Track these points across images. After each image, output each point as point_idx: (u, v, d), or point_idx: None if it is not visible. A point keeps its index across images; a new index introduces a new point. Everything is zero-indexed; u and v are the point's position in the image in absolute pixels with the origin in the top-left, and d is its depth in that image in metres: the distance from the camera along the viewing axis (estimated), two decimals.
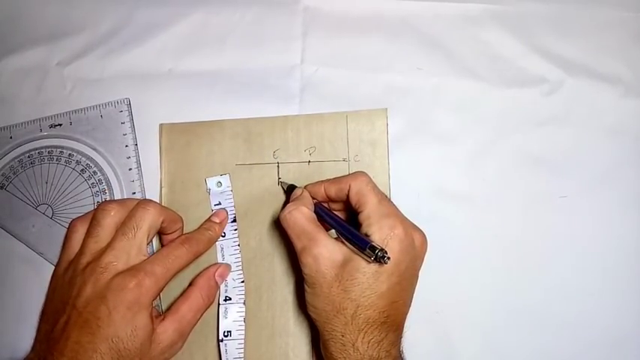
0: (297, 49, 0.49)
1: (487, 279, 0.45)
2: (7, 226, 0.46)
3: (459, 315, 0.45)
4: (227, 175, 0.46)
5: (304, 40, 0.49)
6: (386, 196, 0.40)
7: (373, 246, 0.35)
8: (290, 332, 0.44)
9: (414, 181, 0.46)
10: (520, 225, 0.46)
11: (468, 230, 0.46)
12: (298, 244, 0.38)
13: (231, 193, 0.46)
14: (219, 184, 0.46)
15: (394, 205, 0.39)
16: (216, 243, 0.45)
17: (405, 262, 0.37)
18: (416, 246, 0.38)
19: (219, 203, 0.45)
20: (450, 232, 0.45)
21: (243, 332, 0.43)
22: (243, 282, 0.44)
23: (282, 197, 0.46)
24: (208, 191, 0.46)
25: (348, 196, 0.40)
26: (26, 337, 0.43)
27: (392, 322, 0.36)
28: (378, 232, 0.36)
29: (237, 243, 0.45)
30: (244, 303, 0.44)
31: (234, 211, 0.45)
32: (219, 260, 0.45)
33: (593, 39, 0.49)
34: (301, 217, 0.38)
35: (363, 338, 0.35)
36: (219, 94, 0.48)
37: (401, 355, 0.38)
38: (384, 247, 0.35)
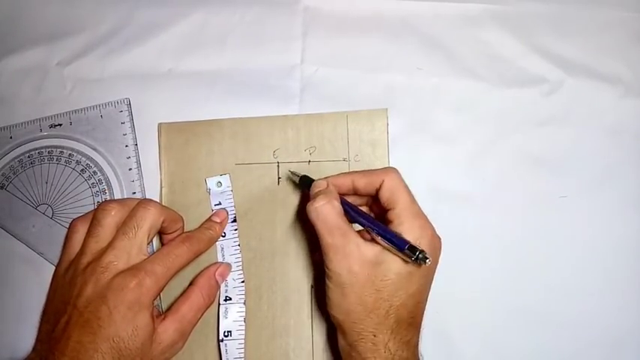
0: (297, 49, 0.49)
1: (487, 279, 0.45)
2: (7, 226, 0.46)
3: (459, 315, 0.45)
4: (227, 175, 0.46)
5: (304, 40, 0.49)
6: (415, 198, 0.39)
7: (413, 247, 0.34)
8: (290, 332, 0.44)
9: (414, 181, 0.46)
10: (520, 225, 0.46)
11: (468, 230, 0.46)
12: (328, 239, 0.36)
13: (231, 193, 0.46)
14: (219, 184, 0.46)
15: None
16: (217, 243, 0.45)
17: (432, 261, 0.37)
18: (437, 247, 0.38)
19: (220, 203, 0.45)
20: (449, 232, 0.45)
21: (243, 332, 0.43)
22: (243, 282, 0.44)
23: (283, 197, 0.46)
24: (208, 191, 0.46)
25: (378, 190, 0.39)
26: (26, 337, 0.43)
27: (416, 323, 0.37)
28: (410, 231, 0.36)
29: (237, 243, 0.45)
30: (244, 303, 0.44)
31: (234, 211, 0.45)
32: (220, 260, 0.45)
33: (593, 39, 0.49)
34: (333, 211, 0.37)
35: (395, 338, 0.35)
36: (219, 94, 0.48)
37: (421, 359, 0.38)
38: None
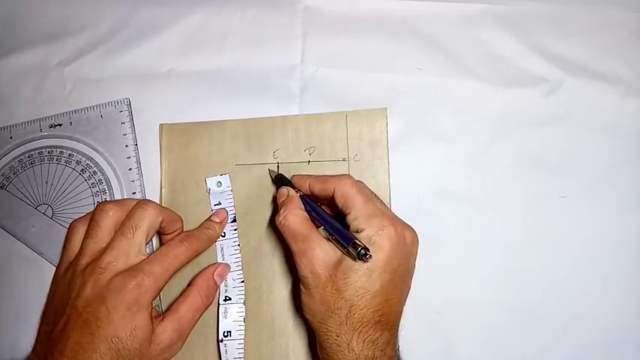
0: (297, 49, 0.49)
1: (487, 279, 0.45)
2: (7, 226, 0.46)
3: (459, 315, 0.45)
4: (227, 176, 0.46)
5: (304, 40, 0.49)
6: (374, 196, 0.39)
7: (356, 243, 0.35)
8: (290, 332, 0.44)
9: (414, 181, 0.46)
10: (520, 225, 0.46)
11: (468, 230, 0.46)
12: (294, 247, 0.38)
13: (231, 193, 0.46)
14: (219, 184, 0.46)
15: (383, 204, 0.39)
16: (216, 243, 0.45)
17: (397, 259, 0.36)
18: (407, 243, 0.38)
19: (219, 203, 0.45)
20: (450, 232, 0.45)
21: (243, 332, 0.43)
22: (243, 282, 0.44)
23: None
24: (208, 191, 0.46)
25: (333, 197, 0.39)
26: (26, 337, 0.43)
27: (386, 321, 0.36)
28: (365, 230, 0.37)
29: (237, 243, 0.45)
30: (244, 303, 0.44)
31: (234, 211, 0.45)
32: (219, 260, 0.45)
33: (593, 39, 0.48)
34: (296, 219, 0.39)
35: (358, 338, 0.35)
36: (219, 94, 0.48)
37: (397, 354, 0.37)
38: (371, 245, 0.35)
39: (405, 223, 0.38)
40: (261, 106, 0.48)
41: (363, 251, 0.34)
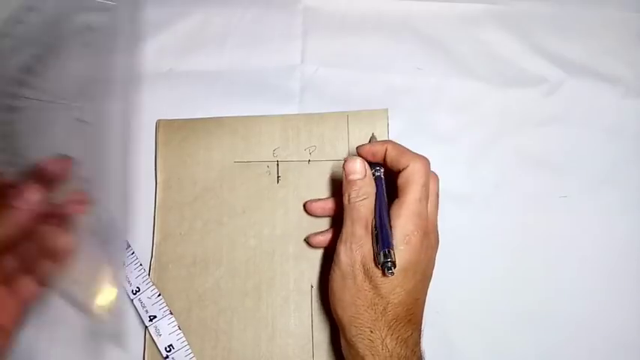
0: (297, 49, 0.49)
1: (487, 279, 0.45)
2: None
3: (459, 315, 0.44)
4: None
5: (304, 40, 0.49)
6: (427, 196, 0.38)
7: (387, 253, 0.34)
8: (290, 332, 0.44)
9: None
10: (520, 225, 0.46)
11: (468, 230, 0.46)
12: (355, 229, 0.37)
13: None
14: None
15: (427, 207, 0.38)
16: None
17: (426, 260, 0.37)
18: (433, 245, 0.38)
19: None
20: (450, 232, 0.45)
21: (184, 340, 0.42)
22: (159, 295, 0.43)
23: (282, 196, 0.45)
24: None
25: (398, 172, 0.38)
26: None
27: (415, 320, 0.37)
28: (405, 226, 0.36)
29: (138, 262, 0.43)
30: (171, 313, 0.42)
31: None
32: (126, 281, 0.43)
33: (593, 39, 0.49)
34: (371, 206, 0.37)
35: (392, 335, 0.35)
36: (219, 94, 0.48)
37: (423, 357, 0.37)
38: (406, 244, 0.35)
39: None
40: (261, 106, 0.48)
41: (389, 264, 0.34)
